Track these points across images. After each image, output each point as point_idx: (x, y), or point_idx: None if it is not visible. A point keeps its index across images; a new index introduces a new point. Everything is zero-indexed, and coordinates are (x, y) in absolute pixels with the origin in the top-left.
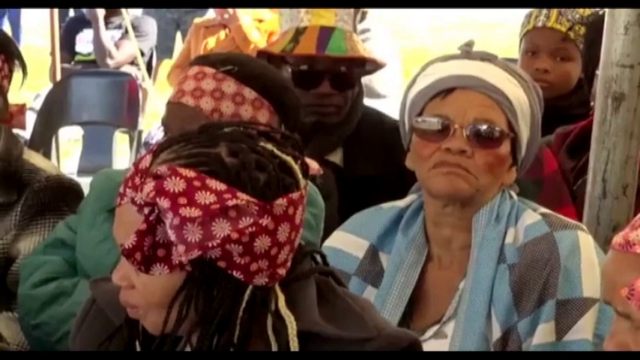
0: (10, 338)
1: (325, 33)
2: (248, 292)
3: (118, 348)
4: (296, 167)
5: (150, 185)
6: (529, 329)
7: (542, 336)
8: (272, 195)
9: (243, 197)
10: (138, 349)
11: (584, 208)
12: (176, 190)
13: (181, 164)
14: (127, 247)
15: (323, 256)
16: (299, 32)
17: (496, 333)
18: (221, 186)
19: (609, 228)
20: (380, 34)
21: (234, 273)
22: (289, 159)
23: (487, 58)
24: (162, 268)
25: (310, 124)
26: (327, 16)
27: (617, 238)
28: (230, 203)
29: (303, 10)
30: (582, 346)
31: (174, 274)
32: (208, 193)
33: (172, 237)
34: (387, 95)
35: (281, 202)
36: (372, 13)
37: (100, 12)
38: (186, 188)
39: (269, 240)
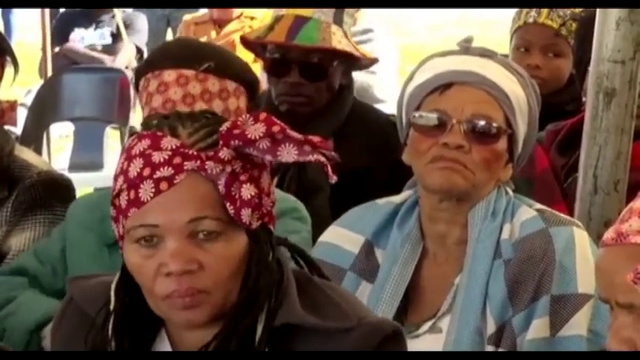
0: None
1: (299, 22)
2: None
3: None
4: None
5: (258, 125)
6: (523, 324)
7: (536, 331)
8: None
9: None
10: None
11: (575, 204)
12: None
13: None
14: (248, 197)
15: (298, 252)
16: (276, 20)
17: (491, 328)
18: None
19: (600, 224)
20: (383, 35)
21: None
22: None
23: (486, 54)
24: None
25: (301, 115)
26: None
27: (608, 234)
28: None
29: None
30: (576, 342)
31: (241, 236)
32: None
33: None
34: (386, 100)
35: None
36: (371, 10)
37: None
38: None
39: None
